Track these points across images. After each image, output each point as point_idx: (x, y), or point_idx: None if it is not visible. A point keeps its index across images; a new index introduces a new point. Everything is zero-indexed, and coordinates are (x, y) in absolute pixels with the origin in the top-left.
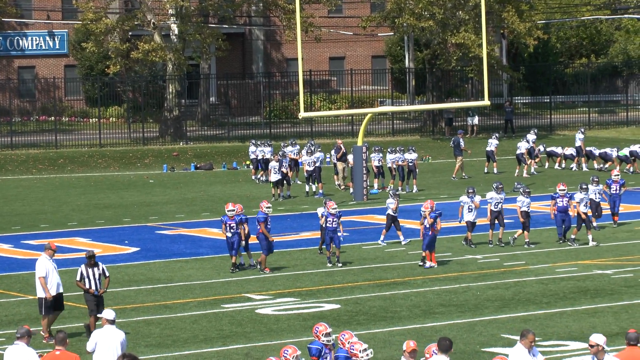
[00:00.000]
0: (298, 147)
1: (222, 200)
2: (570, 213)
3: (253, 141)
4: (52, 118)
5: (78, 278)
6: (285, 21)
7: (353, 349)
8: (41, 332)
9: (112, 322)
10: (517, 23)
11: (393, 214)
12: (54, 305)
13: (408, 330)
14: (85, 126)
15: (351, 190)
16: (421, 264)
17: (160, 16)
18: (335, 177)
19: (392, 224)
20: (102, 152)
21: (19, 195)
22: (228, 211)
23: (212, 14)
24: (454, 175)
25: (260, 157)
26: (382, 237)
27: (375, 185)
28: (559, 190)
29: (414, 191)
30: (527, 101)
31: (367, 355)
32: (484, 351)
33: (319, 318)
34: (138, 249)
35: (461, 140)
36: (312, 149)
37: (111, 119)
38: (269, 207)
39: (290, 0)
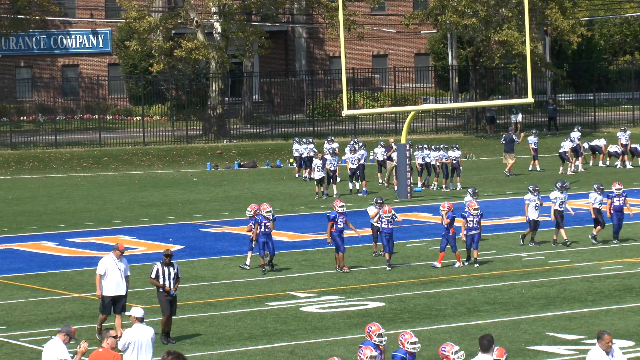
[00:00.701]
0: (312, 145)
1: (266, 198)
2: (628, 212)
3: (296, 139)
4: (96, 116)
5: (153, 275)
6: (328, 19)
7: (445, 351)
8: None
9: (141, 320)
10: (561, 20)
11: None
12: (112, 305)
13: (453, 328)
14: (129, 124)
15: (395, 188)
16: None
17: (203, 14)
18: (379, 174)
19: None
20: (146, 150)
21: (63, 193)
22: (266, 212)
23: (254, 12)
24: (506, 171)
25: (305, 154)
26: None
27: (419, 183)
28: (615, 189)
29: (457, 189)
30: (570, 98)
31: (459, 357)
32: (529, 349)
33: (363, 316)
34: (182, 246)
35: (514, 136)
36: (356, 146)
37: (155, 117)
38: (342, 206)
39: None
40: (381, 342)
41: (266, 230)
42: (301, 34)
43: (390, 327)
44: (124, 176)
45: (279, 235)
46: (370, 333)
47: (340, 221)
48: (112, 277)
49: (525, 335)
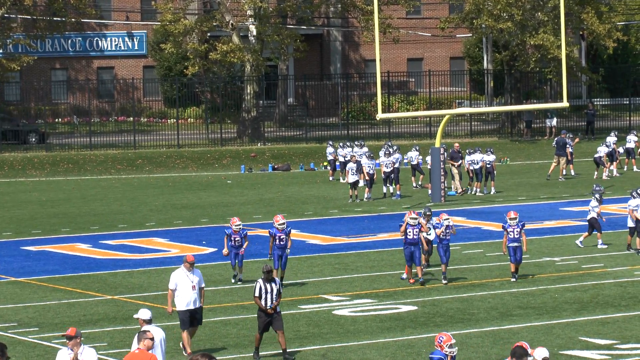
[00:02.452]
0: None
1: (300, 201)
2: None
3: (330, 142)
4: (131, 119)
5: (257, 294)
6: (363, 22)
7: (440, 341)
8: (180, 345)
9: (149, 321)
10: (597, 24)
11: (597, 217)
12: (191, 320)
13: (485, 332)
14: (164, 127)
15: (429, 191)
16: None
17: (239, 17)
18: (412, 178)
19: (594, 227)
20: (180, 153)
21: (97, 195)
22: (279, 225)
23: (290, 15)
24: (560, 176)
25: (342, 159)
26: (581, 239)
27: (453, 187)
28: None
29: (491, 193)
30: (606, 103)
31: (452, 352)
32: (561, 354)
33: (395, 320)
34: (215, 249)
35: (567, 140)
36: (390, 150)
37: (189, 119)
38: (414, 218)
39: (368, 1)
40: (452, 352)
41: (281, 243)
42: (336, 37)
43: (423, 331)
44: (158, 178)
45: (312, 239)
46: (442, 343)
47: (410, 231)
48: (184, 291)
49: (558, 339)
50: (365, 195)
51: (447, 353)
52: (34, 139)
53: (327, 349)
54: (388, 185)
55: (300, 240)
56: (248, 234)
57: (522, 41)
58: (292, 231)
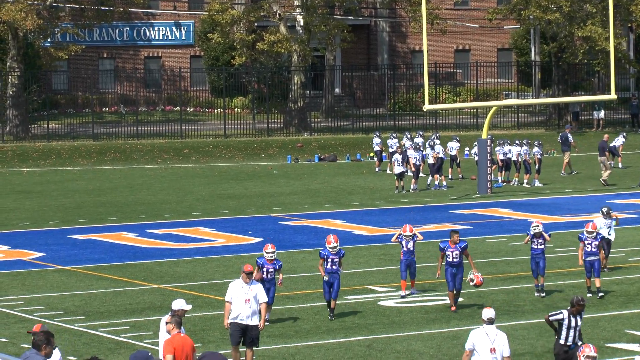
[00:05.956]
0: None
1: (346, 192)
2: None
3: (377, 133)
4: (178, 108)
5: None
6: (410, 13)
7: (579, 351)
8: None
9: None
10: None
11: None
12: (243, 337)
13: (531, 324)
14: (210, 116)
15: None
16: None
17: (286, 7)
18: (450, 170)
19: None
20: (227, 143)
21: (144, 185)
22: (331, 247)
23: (337, 5)
24: (562, 171)
25: (394, 149)
26: None
27: (500, 179)
28: None
29: (535, 185)
30: None
31: None
32: (607, 347)
33: (440, 311)
34: (261, 239)
35: (569, 135)
36: (436, 141)
37: (236, 109)
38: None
39: None
40: None
41: (333, 267)
42: (384, 28)
43: (468, 322)
44: (204, 168)
45: (358, 229)
46: (580, 353)
47: (450, 253)
48: (237, 304)
49: (604, 332)
50: (412, 187)
51: None
52: None
53: (372, 339)
54: (434, 176)
55: (346, 231)
56: (282, 265)
57: (570, 33)
58: (338, 222)
